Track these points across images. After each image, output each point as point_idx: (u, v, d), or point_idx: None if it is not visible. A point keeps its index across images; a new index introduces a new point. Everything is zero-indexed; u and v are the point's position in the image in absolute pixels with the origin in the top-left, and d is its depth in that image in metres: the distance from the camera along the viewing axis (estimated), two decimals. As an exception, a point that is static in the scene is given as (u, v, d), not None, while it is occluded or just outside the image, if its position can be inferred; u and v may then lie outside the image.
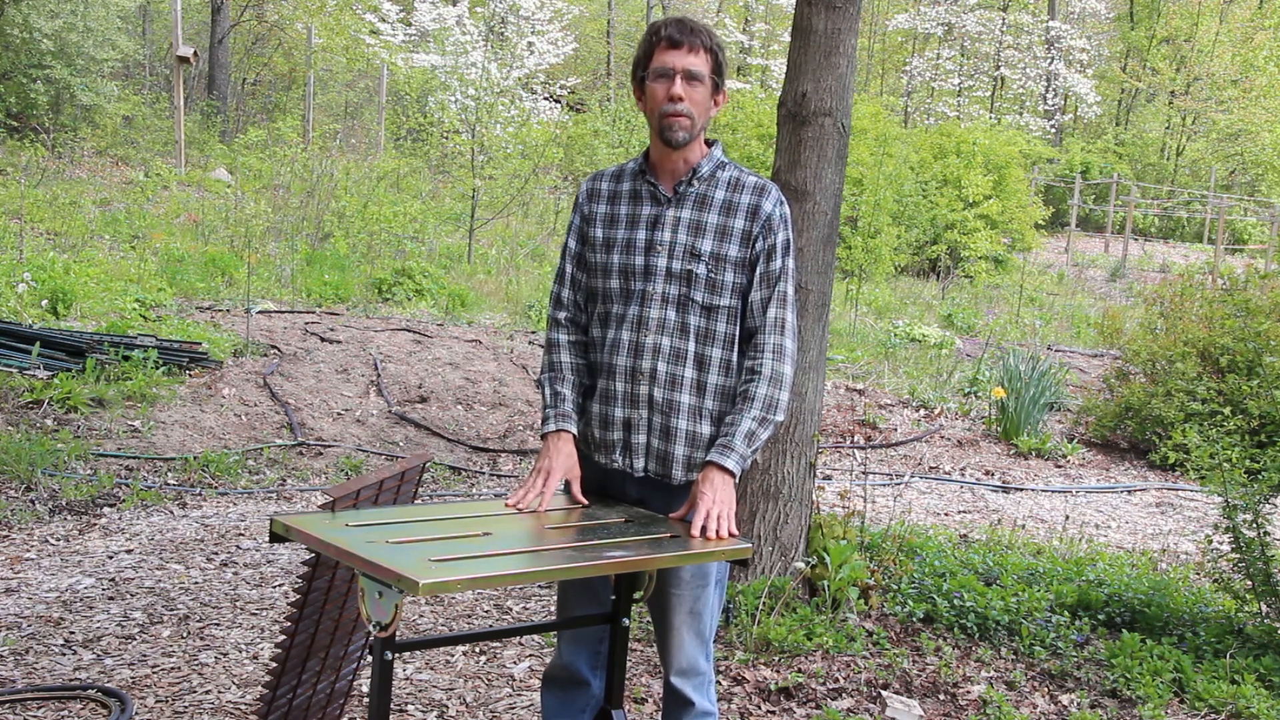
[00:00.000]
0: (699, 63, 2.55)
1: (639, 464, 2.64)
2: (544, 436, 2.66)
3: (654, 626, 2.79)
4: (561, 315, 2.74)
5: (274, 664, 2.72)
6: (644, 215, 2.63)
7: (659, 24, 2.59)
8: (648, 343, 2.59)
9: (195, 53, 17.01)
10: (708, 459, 2.53)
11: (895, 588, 4.48)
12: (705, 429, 2.62)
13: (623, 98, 22.99)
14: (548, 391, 2.70)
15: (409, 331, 9.42)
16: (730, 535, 2.47)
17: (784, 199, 2.64)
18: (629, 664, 3.81)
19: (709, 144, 2.66)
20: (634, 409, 2.61)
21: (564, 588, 2.77)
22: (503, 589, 4.61)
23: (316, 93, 18.80)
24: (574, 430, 2.64)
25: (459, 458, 6.87)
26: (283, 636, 2.72)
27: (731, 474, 2.51)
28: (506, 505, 2.56)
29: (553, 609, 4.50)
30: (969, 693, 3.89)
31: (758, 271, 2.60)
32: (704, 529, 2.45)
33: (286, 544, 3.68)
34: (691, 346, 2.59)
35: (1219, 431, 4.68)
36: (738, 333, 2.62)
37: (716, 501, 2.49)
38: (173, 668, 3.76)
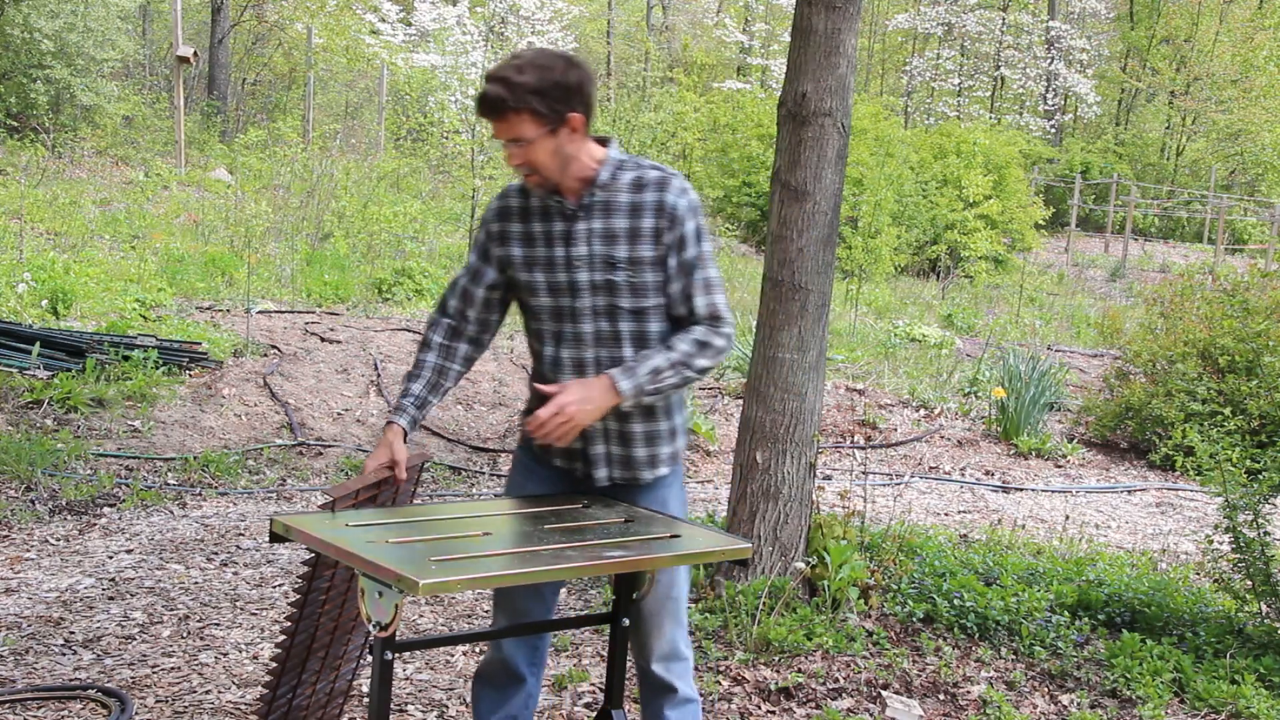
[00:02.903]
0: (519, 126, 2.47)
1: (601, 473, 2.65)
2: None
3: (620, 596, 2.80)
4: (442, 320, 2.74)
5: (274, 664, 2.72)
6: (556, 231, 2.60)
7: (479, 95, 2.51)
8: (588, 357, 2.60)
9: (195, 53, 17.02)
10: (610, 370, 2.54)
11: (895, 588, 4.48)
12: (661, 425, 2.64)
13: (623, 98, 22.99)
14: (400, 387, 2.75)
15: (409, 331, 9.42)
16: (546, 434, 2.49)
17: (687, 187, 2.59)
18: (570, 658, 3.82)
19: (604, 142, 2.61)
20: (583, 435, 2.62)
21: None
22: (503, 589, 4.61)
23: (316, 93, 18.80)
24: (403, 423, 2.64)
25: (459, 458, 6.87)
26: (282, 636, 2.72)
27: (617, 390, 2.51)
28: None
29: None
30: (969, 693, 3.89)
31: (671, 264, 2.57)
32: (540, 422, 2.48)
33: (286, 544, 3.68)
34: (629, 352, 2.59)
35: (1219, 431, 4.68)
36: (670, 327, 2.62)
37: (575, 400, 2.49)
38: (173, 668, 3.76)
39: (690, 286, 2.58)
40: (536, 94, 2.46)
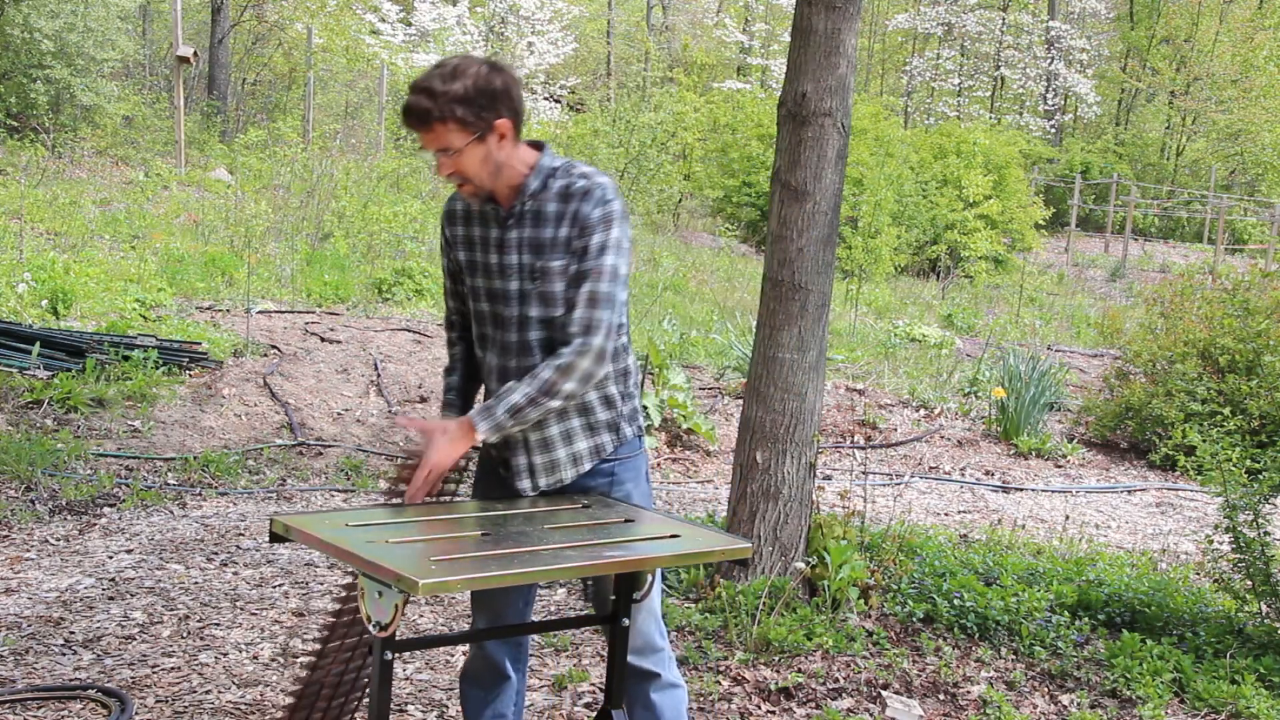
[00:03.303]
0: (445, 136, 2.45)
1: (525, 484, 2.67)
2: None
3: (596, 608, 2.81)
4: (453, 320, 2.81)
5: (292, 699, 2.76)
6: (491, 238, 2.60)
7: (403, 107, 2.49)
8: (511, 366, 2.62)
9: (195, 53, 17.01)
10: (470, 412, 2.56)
11: (895, 588, 4.48)
12: (574, 421, 2.64)
13: (623, 98, 22.98)
14: (442, 383, 2.84)
15: (409, 331, 9.42)
16: (417, 495, 2.55)
17: (611, 198, 2.52)
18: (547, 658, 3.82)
19: (538, 146, 2.59)
20: (506, 441, 2.65)
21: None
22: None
23: (316, 93, 18.79)
24: (454, 415, 2.69)
25: (459, 458, 6.87)
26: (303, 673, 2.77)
27: (475, 431, 2.52)
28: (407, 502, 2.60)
29: (552, 609, 4.50)
30: (969, 693, 3.89)
31: (571, 270, 2.53)
32: (415, 490, 2.54)
33: (286, 544, 3.68)
34: (539, 361, 2.58)
35: (1219, 431, 4.68)
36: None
37: (437, 454, 2.53)
38: (173, 668, 3.76)
39: (576, 296, 2.52)
40: (461, 102, 2.43)
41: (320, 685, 2.89)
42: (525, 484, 2.67)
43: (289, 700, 3.06)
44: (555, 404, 2.54)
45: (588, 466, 2.68)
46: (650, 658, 2.72)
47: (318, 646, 2.78)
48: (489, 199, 2.59)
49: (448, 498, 3.02)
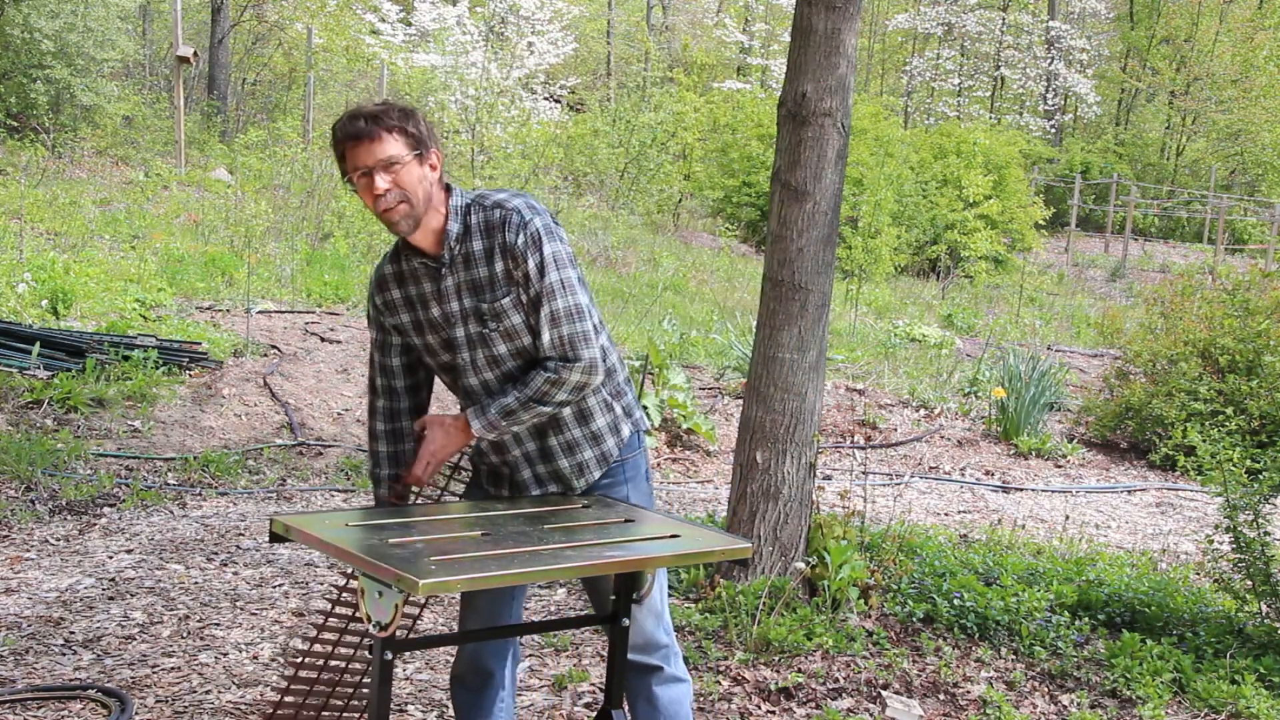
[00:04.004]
0: (389, 146, 2.45)
1: (535, 494, 2.69)
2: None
3: (593, 601, 2.83)
4: (378, 405, 2.77)
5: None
6: (429, 291, 2.59)
7: (337, 125, 2.49)
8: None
9: (195, 53, 17.00)
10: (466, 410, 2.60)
11: (895, 588, 4.48)
12: (576, 431, 2.66)
13: (623, 98, 22.98)
14: (368, 469, 2.87)
15: (409, 331, 9.41)
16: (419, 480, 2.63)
17: (527, 219, 2.50)
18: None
19: (448, 190, 2.58)
20: (505, 460, 2.69)
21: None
22: (503, 589, 4.61)
23: (316, 93, 18.79)
24: (384, 493, 2.74)
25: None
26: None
27: (470, 428, 2.57)
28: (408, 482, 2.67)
29: (553, 609, 4.50)
30: (969, 693, 3.89)
31: (524, 300, 2.53)
32: (415, 477, 2.62)
33: (286, 544, 3.68)
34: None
35: (1219, 431, 4.68)
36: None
37: (435, 445, 2.60)
38: (173, 668, 3.76)
39: (539, 322, 2.53)
40: (407, 117, 2.49)
41: (310, 686, 2.89)
42: (535, 493, 2.69)
43: (278, 699, 3.07)
44: (547, 410, 2.56)
45: (596, 475, 2.69)
46: (654, 654, 2.72)
47: (310, 647, 2.79)
48: (416, 253, 2.58)
49: (439, 492, 3.03)
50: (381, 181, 2.45)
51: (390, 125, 2.46)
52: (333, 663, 3.01)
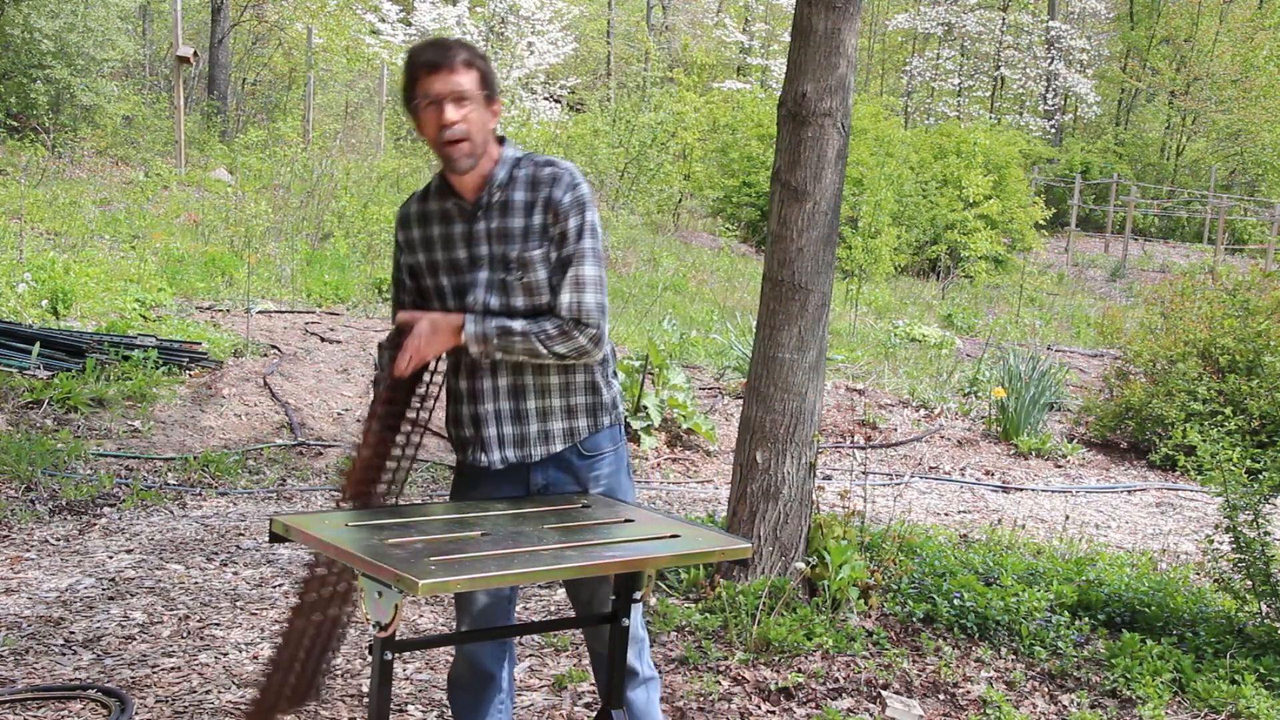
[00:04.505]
0: (464, 81, 2.49)
1: (495, 456, 2.65)
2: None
3: (574, 604, 2.82)
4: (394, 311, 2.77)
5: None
6: (457, 233, 2.61)
7: (415, 50, 2.53)
8: (485, 360, 2.61)
9: (195, 53, 17.00)
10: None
11: (895, 588, 4.48)
12: (554, 400, 2.64)
13: (623, 98, 22.98)
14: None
15: (409, 331, 9.41)
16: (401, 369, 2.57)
17: (579, 182, 2.56)
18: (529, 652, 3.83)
19: (501, 141, 2.62)
20: (476, 411, 2.65)
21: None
22: (503, 589, 4.61)
23: (316, 93, 18.79)
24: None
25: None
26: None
27: (461, 332, 2.54)
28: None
29: (553, 609, 4.50)
30: (969, 693, 3.89)
31: (554, 257, 2.56)
32: (399, 365, 2.57)
33: (286, 544, 3.68)
34: None
35: (1219, 431, 4.68)
36: None
37: (422, 335, 2.55)
38: (173, 668, 3.76)
39: (561, 281, 2.55)
40: (484, 60, 2.54)
41: (299, 639, 2.85)
42: (495, 456, 2.65)
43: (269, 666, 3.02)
44: (542, 354, 2.55)
45: (559, 448, 2.66)
46: (631, 648, 2.73)
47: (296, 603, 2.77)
48: (452, 194, 2.60)
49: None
50: (452, 112, 2.48)
51: (468, 61, 2.49)
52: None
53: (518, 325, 2.54)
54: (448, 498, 2.88)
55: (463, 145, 2.50)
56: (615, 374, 2.79)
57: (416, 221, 2.66)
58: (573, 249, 2.54)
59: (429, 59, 2.48)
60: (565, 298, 2.54)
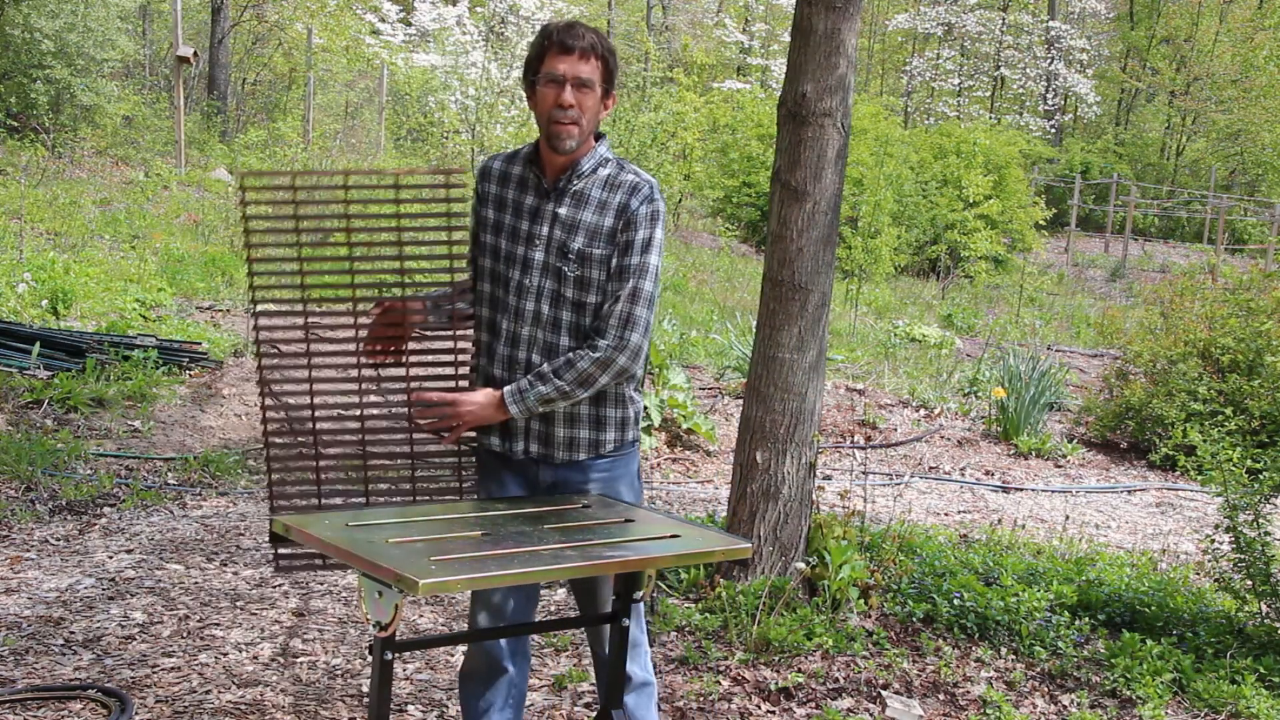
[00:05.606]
0: (589, 70, 2.57)
1: (519, 446, 2.69)
2: None
3: (580, 605, 2.83)
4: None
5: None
6: (526, 205, 2.66)
7: (551, 27, 2.60)
8: (524, 334, 2.64)
9: (195, 53, 17.00)
10: (504, 388, 2.62)
11: (895, 588, 4.48)
12: (583, 408, 2.67)
13: (623, 98, 22.97)
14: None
15: (409, 331, 9.40)
16: (441, 434, 2.68)
17: (657, 197, 2.63)
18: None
19: (597, 138, 2.67)
20: None
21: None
22: (503, 589, 4.61)
23: (316, 93, 18.79)
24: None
25: (459, 458, 6.87)
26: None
27: (504, 410, 2.61)
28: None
29: (552, 609, 4.50)
30: (969, 693, 3.89)
31: (614, 264, 2.60)
32: (438, 422, 2.66)
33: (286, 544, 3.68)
34: (564, 340, 2.63)
35: (1220, 431, 4.68)
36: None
37: (470, 406, 2.62)
38: (173, 668, 3.76)
39: (620, 293, 2.60)
40: (614, 55, 2.63)
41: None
42: (518, 446, 2.69)
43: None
44: (585, 395, 2.61)
45: (581, 457, 2.70)
46: (629, 652, 2.73)
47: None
48: (537, 165, 2.66)
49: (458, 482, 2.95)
50: (570, 95, 2.55)
51: (601, 53, 2.58)
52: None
53: (552, 390, 2.58)
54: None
55: (571, 128, 2.57)
56: (641, 389, 2.81)
57: (497, 179, 2.73)
58: (636, 261, 2.60)
59: (563, 40, 2.56)
60: (619, 307, 2.59)
